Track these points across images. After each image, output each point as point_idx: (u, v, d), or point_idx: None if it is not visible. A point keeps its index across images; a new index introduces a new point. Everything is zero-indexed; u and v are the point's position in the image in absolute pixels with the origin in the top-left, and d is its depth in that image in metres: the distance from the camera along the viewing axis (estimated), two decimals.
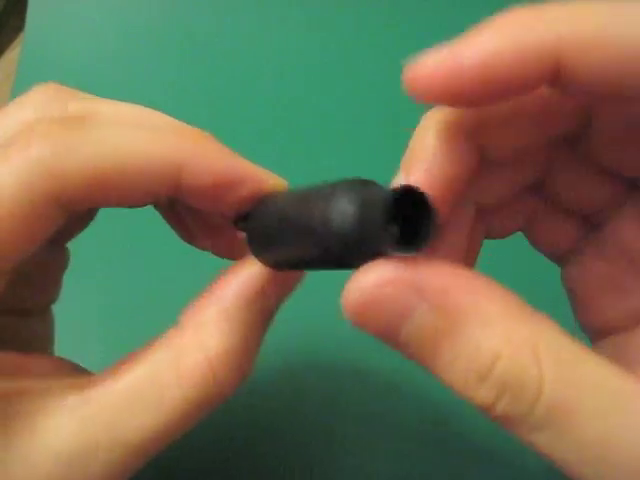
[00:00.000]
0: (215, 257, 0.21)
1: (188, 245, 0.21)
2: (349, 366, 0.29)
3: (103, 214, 0.20)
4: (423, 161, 0.15)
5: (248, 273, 0.17)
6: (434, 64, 0.15)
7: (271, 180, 0.17)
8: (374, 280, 0.13)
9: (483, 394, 0.13)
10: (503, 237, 0.19)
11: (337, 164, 0.34)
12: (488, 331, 0.13)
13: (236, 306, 0.16)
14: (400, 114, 0.36)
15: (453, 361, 0.13)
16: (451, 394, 0.14)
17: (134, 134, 0.16)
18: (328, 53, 0.38)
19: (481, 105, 0.15)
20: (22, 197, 0.15)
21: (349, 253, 0.13)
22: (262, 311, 0.17)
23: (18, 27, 0.40)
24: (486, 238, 0.19)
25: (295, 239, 0.15)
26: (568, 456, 0.13)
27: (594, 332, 0.18)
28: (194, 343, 0.16)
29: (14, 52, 0.39)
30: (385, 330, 0.14)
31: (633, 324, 0.17)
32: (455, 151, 0.15)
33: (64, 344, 0.27)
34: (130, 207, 0.17)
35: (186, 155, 0.16)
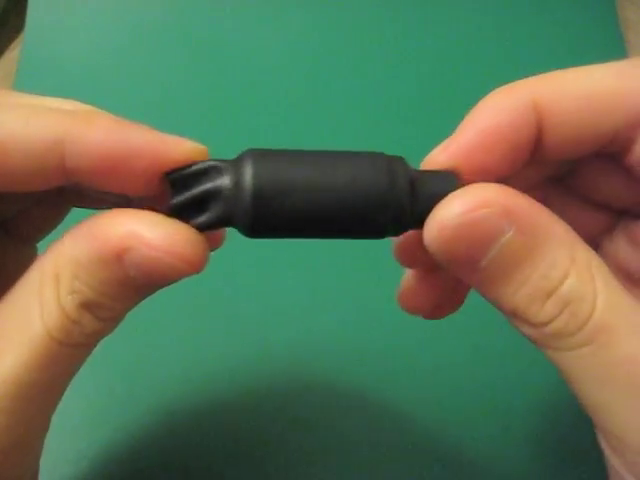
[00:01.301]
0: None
1: None
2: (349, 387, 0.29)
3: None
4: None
5: (107, 233, 0.15)
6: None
7: (181, 147, 0.16)
8: (470, 203, 0.14)
9: (545, 311, 0.14)
10: None
11: None
12: (562, 251, 0.14)
13: (91, 262, 0.15)
14: (400, 114, 0.36)
15: (525, 281, 0.14)
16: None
17: (11, 112, 0.15)
18: (329, 53, 0.38)
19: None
20: None
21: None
22: (118, 275, 0.15)
23: (18, 27, 0.40)
24: None
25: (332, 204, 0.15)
26: (599, 373, 0.14)
27: None
28: (52, 276, 0.15)
29: (14, 52, 0.39)
30: (471, 253, 0.14)
31: None
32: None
33: None
34: (28, 191, 0.16)
35: (64, 130, 0.15)
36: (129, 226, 0.15)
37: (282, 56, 0.38)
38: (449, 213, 0.14)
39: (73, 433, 0.26)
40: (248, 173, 0.15)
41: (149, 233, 0.15)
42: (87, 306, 0.15)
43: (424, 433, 0.27)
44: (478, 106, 0.17)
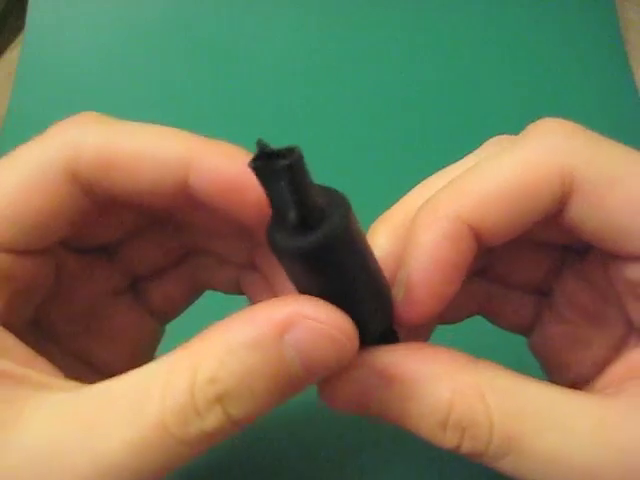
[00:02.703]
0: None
1: None
2: None
3: None
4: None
5: (268, 315, 0.15)
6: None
7: None
8: (343, 375, 0.16)
9: (448, 439, 0.15)
10: (459, 321, 0.21)
11: (338, 165, 0.34)
12: (439, 387, 0.15)
13: (239, 343, 0.14)
14: (400, 115, 0.36)
15: (420, 418, 0.16)
16: None
17: (146, 128, 0.17)
18: (329, 54, 0.38)
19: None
20: (37, 164, 0.16)
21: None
22: (273, 362, 0.15)
23: (18, 27, 0.40)
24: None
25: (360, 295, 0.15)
26: (532, 475, 0.15)
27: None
28: (187, 364, 0.15)
29: (14, 52, 0.39)
30: (357, 408, 0.16)
31: (598, 372, 0.19)
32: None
33: None
34: (146, 206, 0.17)
35: (194, 152, 0.16)
36: (292, 306, 0.15)
37: (282, 56, 0.38)
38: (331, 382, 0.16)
39: None
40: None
41: (313, 310, 0.15)
42: (222, 398, 0.14)
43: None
44: (416, 239, 0.16)
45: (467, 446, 0.15)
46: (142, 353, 0.21)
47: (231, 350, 0.14)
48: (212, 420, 0.14)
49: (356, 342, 0.15)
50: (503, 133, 0.36)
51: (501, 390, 0.15)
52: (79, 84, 0.36)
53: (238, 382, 0.14)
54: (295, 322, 0.14)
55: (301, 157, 0.13)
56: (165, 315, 0.21)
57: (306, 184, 0.13)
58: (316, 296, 0.15)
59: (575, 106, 0.36)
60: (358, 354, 0.15)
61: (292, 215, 0.13)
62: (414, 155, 0.34)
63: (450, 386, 0.15)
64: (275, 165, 0.13)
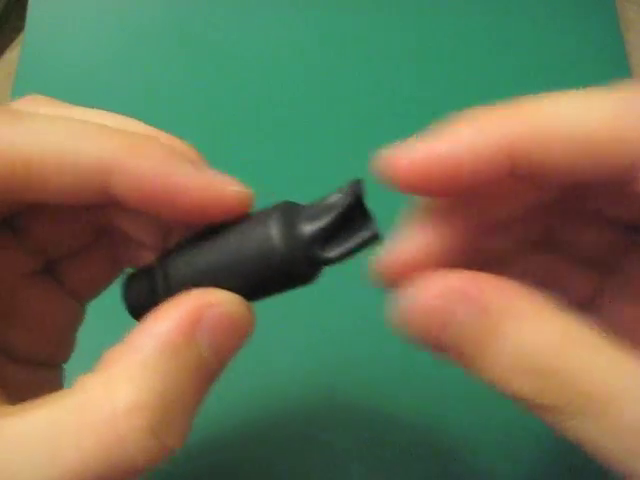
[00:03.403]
0: None
1: None
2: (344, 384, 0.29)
3: None
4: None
5: (173, 317, 0.14)
6: (410, 157, 0.15)
7: (226, 193, 0.15)
8: (425, 294, 0.14)
9: (526, 387, 0.14)
10: None
11: (337, 165, 0.34)
12: (527, 327, 0.14)
13: (153, 356, 0.13)
14: (399, 116, 0.36)
15: (496, 358, 0.14)
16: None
17: (65, 127, 0.15)
18: (329, 55, 0.38)
19: (454, 194, 0.16)
20: None
21: (292, 268, 0.15)
22: (191, 363, 0.14)
23: (18, 27, 0.40)
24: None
25: (239, 267, 0.15)
26: (605, 443, 0.13)
27: None
28: (102, 395, 0.13)
29: (14, 52, 0.39)
30: (435, 337, 0.15)
31: None
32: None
33: None
34: (67, 204, 0.16)
35: (114, 158, 0.15)
36: (189, 302, 0.14)
37: (282, 57, 0.37)
38: (411, 302, 0.15)
39: None
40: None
41: (212, 296, 0.14)
42: (151, 426, 0.13)
43: (430, 443, 0.27)
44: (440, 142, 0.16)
45: (543, 398, 0.14)
46: (63, 335, 0.20)
47: (145, 366, 0.13)
48: (144, 452, 0.13)
49: (254, 314, 0.15)
50: None
51: (590, 344, 0.14)
52: (79, 84, 0.36)
53: (163, 401, 0.13)
54: (201, 315, 0.14)
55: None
56: (85, 295, 0.20)
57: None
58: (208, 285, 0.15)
59: None
60: (442, 276, 0.14)
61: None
62: None
63: (538, 328, 0.14)
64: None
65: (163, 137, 0.17)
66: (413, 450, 0.27)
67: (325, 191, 0.16)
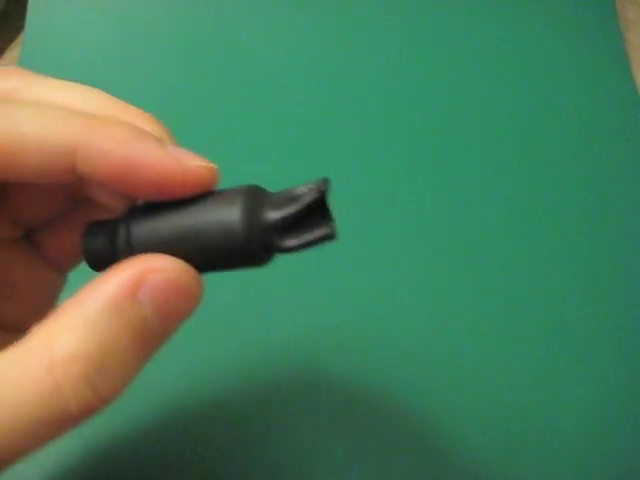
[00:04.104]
0: None
1: None
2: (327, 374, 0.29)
3: None
4: None
5: (120, 277, 0.15)
6: None
7: (190, 168, 0.16)
8: None
9: None
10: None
11: (336, 164, 0.34)
12: None
13: (96, 311, 0.14)
14: (397, 117, 0.36)
15: None
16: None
17: (29, 113, 0.16)
18: (330, 53, 0.38)
19: None
20: None
21: (248, 251, 0.16)
22: (132, 322, 0.14)
23: (18, 27, 0.40)
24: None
25: (196, 241, 0.16)
26: None
27: None
28: (43, 344, 0.14)
29: (14, 52, 0.39)
30: None
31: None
32: None
33: None
34: (37, 184, 0.17)
35: (77, 138, 0.16)
36: (138, 264, 0.15)
37: (283, 56, 0.38)
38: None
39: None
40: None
41: (158, 262, 0.15)
42: (87, 376, 0.14)
43: (431, 432, 0.27)
44: None
45: None
46: (42, 305, 0.20)
47: (87, 320, 0.14)
48: (79, 400, 0.14)
49: (202, 282, 0.16)
50: (503, 132, 0.36)
51: None
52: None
53: (101, 353, 0.14)
54: (146, 278, 0.15)
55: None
56: (64, 264, 0.21)
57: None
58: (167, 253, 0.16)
59: (575, 106, 0.36)
60: None
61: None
62: (412, 155, 0.34)
63: None
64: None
65: (132, 113, 0.18)
66: (393, 422, 0.27)
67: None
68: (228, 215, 0.16)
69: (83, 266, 0.20)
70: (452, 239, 0.32)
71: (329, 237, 0.16)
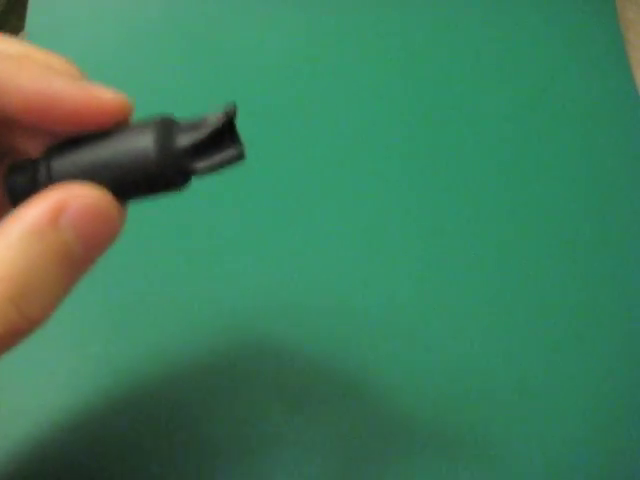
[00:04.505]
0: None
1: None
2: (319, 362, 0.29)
3: None
4: None
5: (41, 205, 0.15)
6: None
7: (102, 99, 0.17)
8: None
9: None
10: None
11: (336, 163, 0.34)
12: None
13: (19, 236, 0.15)
14: (399, 117, 0.36)
15: None
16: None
17: None
18: (331, 53, 0.38)
19: None
20: None
21: (164, 175, 0.17)
22: (54, 247, 0.15)
23: (18, 27, 0.40)
24: None
25: (115, 169, 0.17)
26: None
27: None
28: None
29: None
30: None
31: None
32: None
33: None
34: None
35: None
36: (60, 192, 0.15)
37: (283, 56, 0.38)
38: None
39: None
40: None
41: (79, 189, 0.16)
42: (12, 297, 0.14)
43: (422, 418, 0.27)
44: None
45: None
46: None
47: (10, 245, 0.14)
48: (5, 321, 0.14)
49: (122, 210, 0.17)
50: (502, 132, 0.36)
51: None
52: None
53: (24, 275, 0.14)
54: (66, 204, 0.15)
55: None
56: None
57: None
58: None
59: (575, 106, 0.36)
60: None
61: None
62: (412, 152, 0.34)
63: None
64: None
65: (47, 56, 0.19)
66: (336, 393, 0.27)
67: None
68: (142, 142, 0.17)
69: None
70: (452, 239, 0.32)
71: (237, 157, 0.17)
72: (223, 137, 0.17)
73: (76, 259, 0.15)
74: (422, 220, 0.32)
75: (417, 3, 0.39)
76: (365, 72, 0.37)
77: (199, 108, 0.36)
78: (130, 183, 0.17)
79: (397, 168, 0.34)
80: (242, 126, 0.38)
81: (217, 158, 0.17)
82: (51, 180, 0.17)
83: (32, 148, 0.19)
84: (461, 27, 0.39)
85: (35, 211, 0.15)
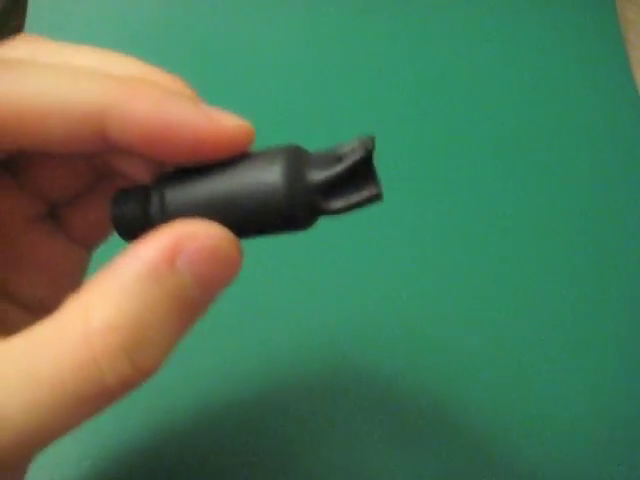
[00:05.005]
0: None
1: None
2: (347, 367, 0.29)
3: None
4: None
5: (158, 244, 0.14)
6: None
7: (224, 127, 0.15)
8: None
9: None
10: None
11: None
12: None
13: (133, 279, 0.13)
14: (399, 117, 0.36)
15: None
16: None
17: (56, 76, 0.15)
18: (331, 53, 0.38)
19: None
20: None
21: (291, 213, 0.15)
22: (171, 290, 0.14)
23: (18, 27, 0.40)
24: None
25: (236, 204, 0.15)
26: None
27: None
28: (79, 315, 0.13)
29: None
30: None
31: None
32: None
33: None
34: (62, 153, 0.16)
35: (106, 100, 0.15)
36: (176, 231, 0.14)
37: (283, 56, 0.38)
38: None
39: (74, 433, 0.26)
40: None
41: (195, 227, 0.14)
42: (124, 346, 0.13)
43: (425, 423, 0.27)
44: None
45: None
46: (68, 281, 0.19)
47: (124, 289, 0.13)
48: (116, 374, 0.13)
49: (241, 248, 0.15)
50: (502, 132, 0.36)
51: None
52: None
53: (140, 323, 0.13)
54: (183, 245, 0.14)
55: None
56: (89, 241, 0.20)
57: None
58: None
59: (574, 106, 0.36)
60: None
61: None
62: (414, 155, 0.34)
63: None
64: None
65: (159, 76, 0.17)
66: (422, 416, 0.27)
67: None
68: (269, 176, 0.15)
69: (110, 244, 0.20)
70: (452, 239, 0.32)
71: (376, 198, 0.15)
72: (357, 173, 0.15)
73: (193, 304, 0.14)
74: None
75: (418, 4, 0.39)
76: (368, 71, 0.37)
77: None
78: (253, 220, 0.15)
79: (399, 175, 0.34)
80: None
81: (354, 197, 0.15)
82: (164, 213, 0.15)
83: (133, 171, 0.17)
84: (461, 27, 0.39)
85: (151, 251, 0.14)
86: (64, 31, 0.38)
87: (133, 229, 0.16)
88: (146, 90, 0.15)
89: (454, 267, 0.31)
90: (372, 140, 0.15)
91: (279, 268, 0.31)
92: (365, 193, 0.15)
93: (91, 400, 0.13)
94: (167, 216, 0.15)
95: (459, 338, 0.29)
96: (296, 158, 0.15)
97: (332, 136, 0.35)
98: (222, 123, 0.15)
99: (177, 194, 0.15)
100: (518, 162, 0.34)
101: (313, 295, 0.30)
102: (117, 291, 0.13)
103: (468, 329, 0.30)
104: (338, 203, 0.15)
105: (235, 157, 0.16)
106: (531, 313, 0.30)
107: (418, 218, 0.32)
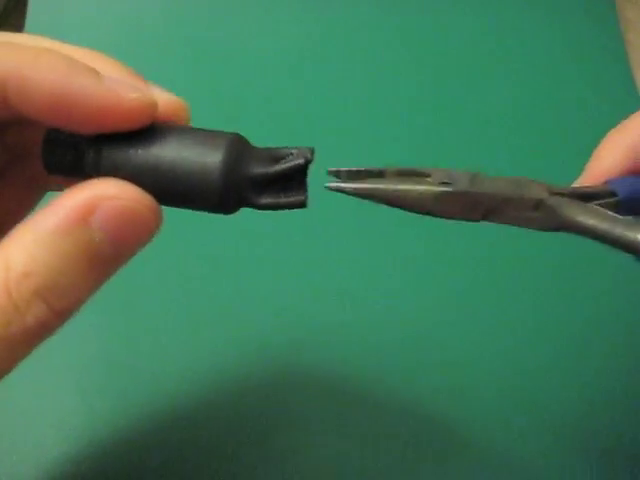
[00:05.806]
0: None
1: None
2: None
3: None
4: None
5: (74, 201, 0.15)
6: None
7: (129, 96, 0.16)
8: None
9: None
10: None
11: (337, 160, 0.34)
12: None
13: (46, 232, 0.15)
14: (399, 117, 0.36)
15: None
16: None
17: None
18: (331, 53, 0.38)
19: None
20: None
21: (220, 199, 0.16)
22: (82, 245, 0.15)
23: (18, 27, 0.40)
24: None
25: (171, 178, 0.16)
26: None
27: None
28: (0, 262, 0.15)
29: None
30: None
31: None
32: None
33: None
34: None
35: (8, 70, 0.15)
36: (92, 189, 0.15)
37: (283, 56, 0.38)
38: None
39: (73, 432, 0.26)
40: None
41: (115, 189, 0.15)
42: (39, 291, 0.14)
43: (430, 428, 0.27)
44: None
45: None
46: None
47: (39, 241, 0.14)
48: (34, 315, 0.14)
49: (159, 214, 0.16)
50: (502, 132, 0.36)
51: None
52: None
53: (52, 271, 0.14)
54: (97, 204, 0.15)
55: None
56: (7, 223, 0.20)
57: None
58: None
59: (575, 106, 0.36)
60: None
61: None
62: (412, 156, 0.34)
63: None
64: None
65: (70, 49, 0.17)
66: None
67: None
68: (210, 157, 0.16)
69: None
70: (452, 239, 0.32)
71: (300, 205, 0.16)
72: (290, 177, 0.16)
73: (104, 259, 0.15)
74: None
75: (420, 3, 0.39)
76: (368, 71, 0.37)
77: (199, 108, 0.36)
78: (181, 194, 0.16)
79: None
80: (243, 124, 0.38)
81: (282, 199, 0.16)
82: (97, 168, 0.16)
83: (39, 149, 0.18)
84: (461, 27, 0.39)
85: (67, 208, 0.15)
86: (64, 31, 0.38)
87: (62, 173, 0.17)
88: (48, 58, 0.16)
89: (451, 268, 0.31)
90: (312, 151, 0.16)
91: (279, 268, 0.31)
92: (293, 198, 0.16)
93: (15, 342, 0.14)
94: (99, 171, 0.16)
95: (453, 341, 0.29)
96: (239, 147, 0.16)
97: (331, 136, 0.35)
98: (120, 94, 0.16)
99: (114, 153, 0.16)
100: (518, 162, 0.34)
101: (313, 295, 0.30)
102: (32, 242, 0.15)
103: (461, 330, 0.30)
104: (266, 199, 0.16)
105: (179, 130, 0.16)
106: (531, 313, 0.30)
107: (418, 218, 0.32)
